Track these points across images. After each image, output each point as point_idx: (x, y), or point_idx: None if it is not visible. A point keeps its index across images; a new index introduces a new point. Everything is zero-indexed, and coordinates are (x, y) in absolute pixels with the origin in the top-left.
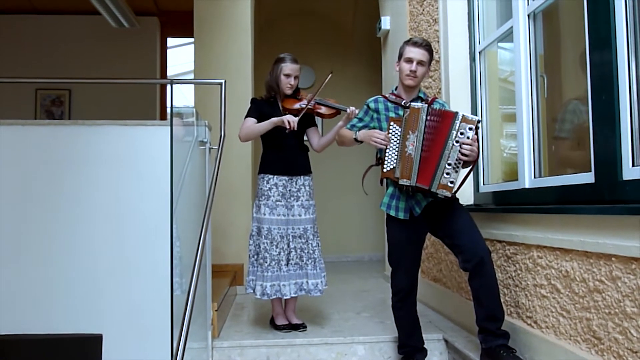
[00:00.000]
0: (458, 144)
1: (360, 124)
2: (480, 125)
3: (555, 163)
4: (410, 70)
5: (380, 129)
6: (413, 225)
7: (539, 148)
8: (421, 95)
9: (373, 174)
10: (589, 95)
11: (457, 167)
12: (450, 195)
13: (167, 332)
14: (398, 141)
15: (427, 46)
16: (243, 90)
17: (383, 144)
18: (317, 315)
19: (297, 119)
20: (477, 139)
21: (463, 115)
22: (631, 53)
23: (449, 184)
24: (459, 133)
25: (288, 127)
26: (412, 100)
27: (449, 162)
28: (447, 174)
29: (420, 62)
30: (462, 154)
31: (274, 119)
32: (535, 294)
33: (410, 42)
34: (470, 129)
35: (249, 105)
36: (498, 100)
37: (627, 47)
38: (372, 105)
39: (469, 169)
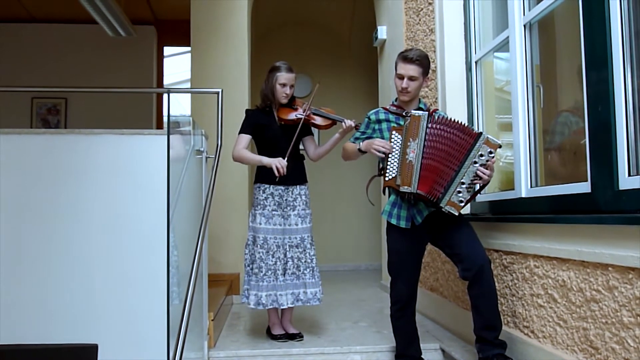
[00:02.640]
0: (476, 165)
1: (362, 137)
2: (499, 149)
3: (548, 173)
4: (402, 87)
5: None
6: (414, 235)
7: (535, 157)
8: (422, 106)
9: (374, 183)
10: (585, 105)
11: (470, 187)
12: (456, 214)
13: (164, 342)
14: (399, 149)
15: (417, 60)
16: (240, 99)
17: (384, 150)
18: (313, 324)
19: (286, 163)
20: (493, 163)
21: (487, 137)
22: (627, 63)
23: (459, 203)
24: (479, 154)
25: (277, 174)
26: (413, 110)
27: (463, 180)
28: (459, 192)
29: (411, 78)
30: (478, 176)
31: (265, 161)
32: (532, 304)
33: (401, 57)
34: (490, 152)
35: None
36: (494, 110)
37: (623, 58)
38: (372, 117)
39: (478, 190)
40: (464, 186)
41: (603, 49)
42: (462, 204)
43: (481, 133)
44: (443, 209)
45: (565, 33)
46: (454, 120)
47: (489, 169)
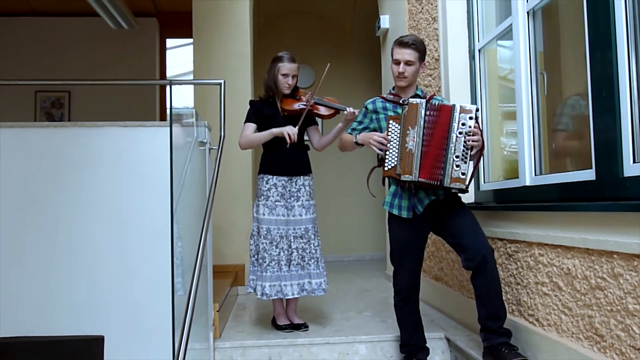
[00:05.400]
0: (462, 135)
1: (360, 127)
2: (479, 113)
3: (553, 154)
4: (399, 72)
5: (380, 130)
6: (415, 224)
7: (539, 145)
8: (419, 93)
9: (374, 175)
10: (589, 91)
11: (465, 158)
12: (464, 187)
13: (169, 333)
14: (398, 138)
15: (413, 44)
16: (242, 91)
17: (382, 148)
18: (318, 315)
19: (297, 129)
20: (479, 127)
21: (461, 106)
22: (631, 49)
23: (461, 176)
24: (460, 124)
25: (288, 140)
26: (411, 98)
27: (456, 154)
28: (457, 166)
29: (407, 62)
30: (468, 144)
31: (274, 130)
32: (537, 292)
33: (396, 42)
34: (470, 118)
35: (248, 107)
36: (498, 98)
37: (627, 43)
38: (370, 106)
39: (476, 159)
40: (458, 159)
41: (607, 34)
42: (465, 177)
43: (454, 104)
44: (452, 189)
45: (568, 19)
46: (436, 103)
47: (476, 135)
